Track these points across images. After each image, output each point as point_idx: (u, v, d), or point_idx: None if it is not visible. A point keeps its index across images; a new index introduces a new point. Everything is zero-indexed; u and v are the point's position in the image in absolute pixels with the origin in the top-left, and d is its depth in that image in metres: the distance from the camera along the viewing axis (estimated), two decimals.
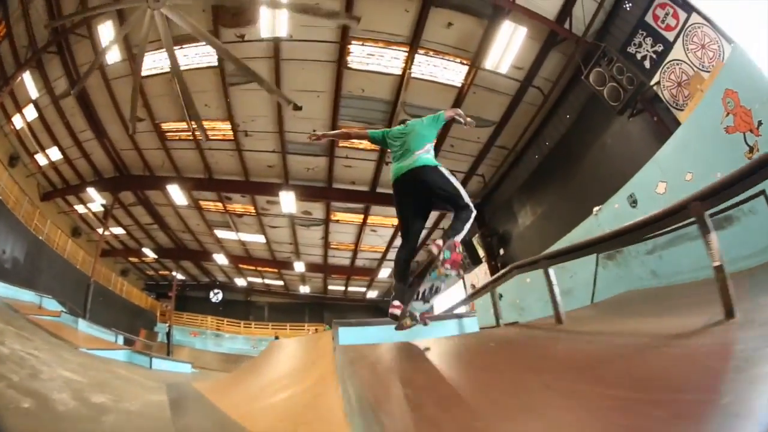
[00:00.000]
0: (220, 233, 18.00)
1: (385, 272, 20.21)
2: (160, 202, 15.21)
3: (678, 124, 5.79)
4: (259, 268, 22.65)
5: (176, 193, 12.87)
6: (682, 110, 5.84)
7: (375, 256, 19.88)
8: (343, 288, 25.16)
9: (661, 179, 4.62)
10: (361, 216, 14.93)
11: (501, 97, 9.43)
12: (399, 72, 8.90)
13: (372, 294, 25.45)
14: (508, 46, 7.56)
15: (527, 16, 7.19)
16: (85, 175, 13.85)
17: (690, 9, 5.86)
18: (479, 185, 12.52)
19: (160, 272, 24.23)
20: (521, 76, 8.71)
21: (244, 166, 12.42)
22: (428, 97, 9.34)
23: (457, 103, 9.28)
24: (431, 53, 8.60)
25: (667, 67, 6.08)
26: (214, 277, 25.43)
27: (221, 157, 12.24)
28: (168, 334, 16.16)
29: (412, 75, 8.87)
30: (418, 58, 8.57)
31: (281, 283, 24.92)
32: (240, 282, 24.64)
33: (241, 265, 22.20)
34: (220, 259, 19.14)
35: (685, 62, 5.89)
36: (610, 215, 5.28)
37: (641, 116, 6.45)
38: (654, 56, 6.25)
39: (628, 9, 6.74)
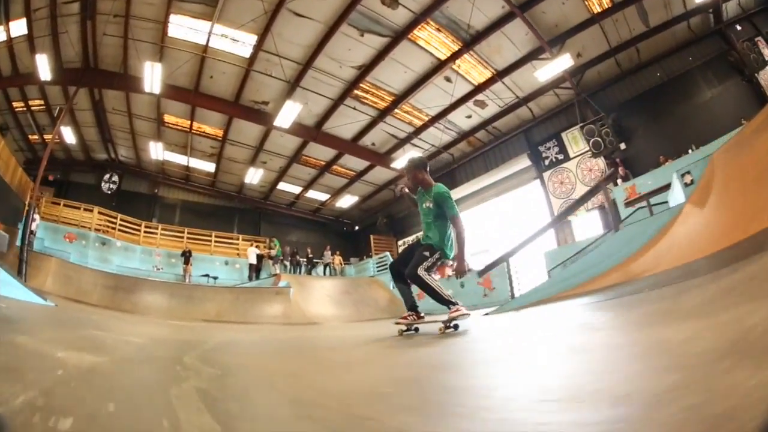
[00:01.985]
0: (177, 20, 9.36)
1: (402, 161, 13.78)
2: None
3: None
4: (198, 127, 13.86)
5: None
6: None
7: (406, 128, 13.63)
8: (298, 190, 18.44)
9: None
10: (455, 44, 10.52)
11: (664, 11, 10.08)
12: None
13: (344, 202, 19.31)
14: None
15: None
16: None
17: None
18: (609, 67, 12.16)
19: (47, 138, 13.98)
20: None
21: None
22: None
23: None
24: None
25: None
26: (115, 152, 15.00)
27: None
28: (25, 225, 8.59)
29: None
30: None
31: (212, 169, 16.38)
32: (153, 154, 14.83)
33: (168, 118, 13.08)
34: (150, 80, 9.95)
35: None
36: None
37: (749, 84, 9.53)
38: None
39: (738, 29, 9.76)
